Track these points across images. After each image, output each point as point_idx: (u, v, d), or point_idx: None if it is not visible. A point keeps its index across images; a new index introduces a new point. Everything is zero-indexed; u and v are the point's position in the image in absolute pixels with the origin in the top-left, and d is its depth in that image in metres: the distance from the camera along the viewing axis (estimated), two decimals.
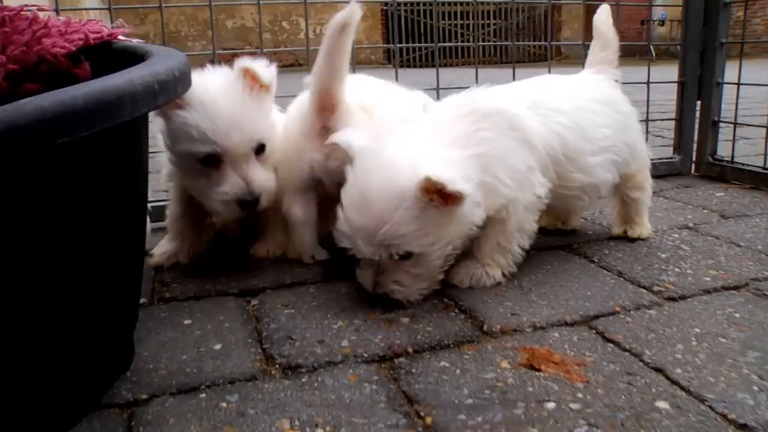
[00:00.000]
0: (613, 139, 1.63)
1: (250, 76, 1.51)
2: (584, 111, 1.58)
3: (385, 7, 16.14)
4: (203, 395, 1.09)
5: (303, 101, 1.64)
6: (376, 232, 1.27)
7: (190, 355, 1.23)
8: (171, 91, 0.94)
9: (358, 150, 1.35)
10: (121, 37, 1.35)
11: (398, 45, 2.26)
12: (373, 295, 1.38)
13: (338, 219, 1.34)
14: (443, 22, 17.15)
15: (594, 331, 1.28)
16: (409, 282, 1.36)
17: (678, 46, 2.64)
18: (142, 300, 1.51)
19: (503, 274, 1.52)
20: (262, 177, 1.53)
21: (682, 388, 1.06)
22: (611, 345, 1.22)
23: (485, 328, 1.30)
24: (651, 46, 2.62)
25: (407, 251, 1.30)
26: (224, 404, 1.06)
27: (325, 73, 1.54)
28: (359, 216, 1.28)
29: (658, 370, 1.12)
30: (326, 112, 1.57)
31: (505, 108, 1.46)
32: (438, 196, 1.25)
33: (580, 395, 1.05)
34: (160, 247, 1.80)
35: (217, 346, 1.26)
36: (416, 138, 1.37)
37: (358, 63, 2.13)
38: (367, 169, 1.30)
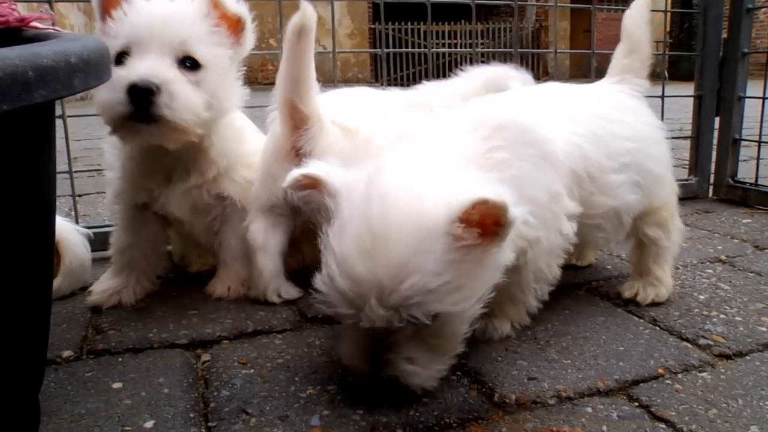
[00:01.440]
0: (637, 155, 1.30)
1: (218, 8, 1.30)
2: (600, 120, 1.28)
3: (372, 26, 16.02)
4: None
5: (277, 122, 1.37)
6: (395, 287, 0.87)
7: None
8: (59, 82, 0.65)
9: (339, 182, 0.98)
10: (37, 24, 1.06)
11: (386, 50, 1.99)
12: (374, 380, 0.98)
13: (323, 274, 0.94)
14: (432, 41, 17.04)
15: (637, 404, 1.00)
16: (427, 359, 0.97)
17: (664, 70, 2.38)
18: (66, 353, 1.21)
19: (513, 327, 1.24)
20: (182, 90, 1.22)
21: None
22: (663, 426, 0.94)
23: (496, 398, 1.01)
24: (664, 66, 2.34)
25: (435, 313, 0.91)
26: None
27: (287, 83, 1.27)
28: (369, 266, 0.87)
29: None
30: (297, 129, 1.29)
31: (518, 119, 1.16)
32: (479, 230, 0.89)
33: None
34: (101, 283, 1.49)
35: (149, 424, 0.96)
36: (425, 158, 1.00)
37: (345, 81, 1.88)
38: (378, 198, 0.90)
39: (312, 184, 1.01)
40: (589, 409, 0.98)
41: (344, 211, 0.93)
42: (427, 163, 0.99)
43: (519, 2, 2.26)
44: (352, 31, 16.03)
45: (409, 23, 15.42)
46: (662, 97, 2.28)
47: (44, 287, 0.88)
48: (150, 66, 1.21)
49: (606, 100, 1.36)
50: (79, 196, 2.64)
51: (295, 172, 1.01)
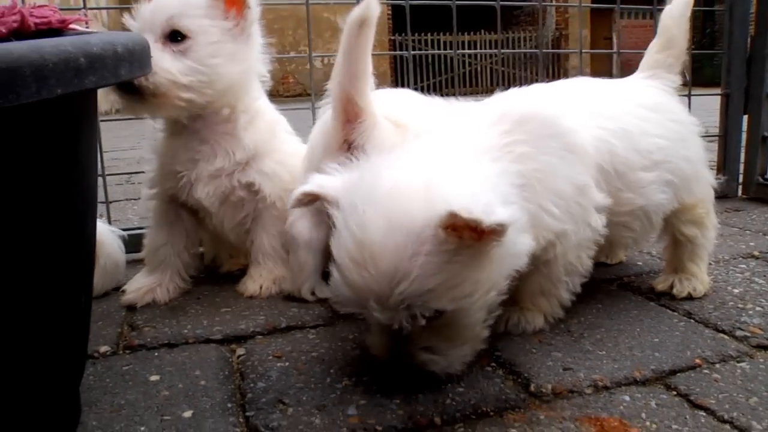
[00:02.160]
0: (668, 153, 1.27)
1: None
2: (630, 116, 1.26)
3: (392, 37, 16.09)
4: None
5: (327, 116, 1.37)
6: (390, 292, 0.88)
7: (151, 427, 0.94)
8: (107, 70, 0.68)
9: (336, 191, 0.99)
10: (76, 26, 1.10)
11: (412, 52, 2.01)
12: (395, 367, 1.01)
13: (332, 278, 0.97)
14: (451, 51, 17.05)
15: (675, 393, 0.98)
16: (446, 347, 0.99)
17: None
18: (103, 348, 1.23)
19: (546, 321, 1.23)
20: (155, 56, 1.24)
21: None
22: (702, 413, 0.92)
23: (532, 388, 1.01)
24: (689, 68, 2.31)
25: (438, 309, 0.92)
26: None
27: (344, 77, 1.26)
28: (361, 274, 0.89)
29: None
30: (349, 123, 1.30)
31: (541, 111, 1.14)
32: (470, 233, 0.87)
33: None
34: (135, 282, 1.52)
35: (187, 414, 0.98)
36: (431, 154, 1.01)
37: None
38: (363, 206, 0.91)
39: (315, 198, 1.03)
40: (627, 398, 0.97)
41: (338, 221, 0.95)
42: (431, 159, 0.99)
43: (543, 3, 2.26)
44: (373, 45, 16.16)
45: (429, 34, 15.43)
46: (689, 95, 2.26)
47: (86, 276, 0.90)
48: None
49: (638, 96, 1.33)
50: (110, 202, 2.70)
51: (296, 192, 1.04)
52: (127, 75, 0.74)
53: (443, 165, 0.97)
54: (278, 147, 1.50)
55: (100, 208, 1.89)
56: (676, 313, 1.30)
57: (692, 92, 2.21)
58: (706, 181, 1.38)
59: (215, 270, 1.73)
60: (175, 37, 1.33)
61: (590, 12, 13.95)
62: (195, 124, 1.43)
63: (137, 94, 1.30)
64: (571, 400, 0.97)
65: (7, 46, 0.57)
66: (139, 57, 0.79)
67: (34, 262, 0.73)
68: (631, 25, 16.09)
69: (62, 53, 0.62)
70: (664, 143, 1.27)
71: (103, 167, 1.83)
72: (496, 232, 0.86)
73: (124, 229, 1.80)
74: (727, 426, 0.89)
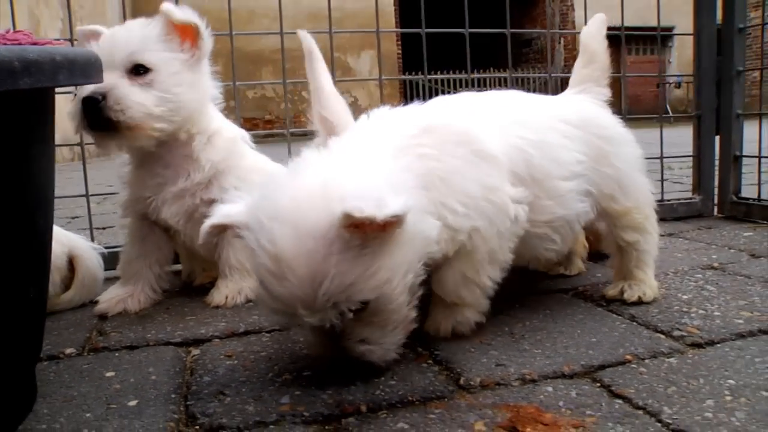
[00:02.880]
0: (588, 167, 1.32)
1: (178, 28, 1.47)
2: (552, 130, 1.30)
3: (403, 76, 16.40)
4: None
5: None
6: (314, 295, 0.93)
7: (96, 413, 1.00)
8: (43, 74, 0.76)
9: (242, 216, 1.03)
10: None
11: (426, 78, 2.10)
12: (336, 363, 1.06)
13: (258, 294, 1.03)
14: (463, 89, 17.33)
15: (598, 385, 1.02)
16: (379, 335, 1.04)
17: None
18: (69, 350, 1.30)
19: (479, 313, 1.24)
20: (126, 91, 1.38)
21: None
22: (619, 401, 0.96)
23: (462, 381, 1.05)
24: (667, 104, 2.38)
25: (362, 301, 0.97)
26: None
27: (314, 101, 1.38)
28: (284, 286, 0.94)
29: None
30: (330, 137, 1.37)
31: (448, 121, 1.20)
32: (371, 227, 0.91)
33: None
34: (108, 293, 1.59)
35: (132, 403, 1.03)
36: (332, 157, 1.08)
37: None
38: (269, 221, 0.95)
39: (223, 229, 1.10)
40: (550, 389, 1.01)
41: (251, 241, 0.99)
42: (330, 163, 1.05)
43: (552, 31, 2.37)
44: (383, 82, 16.47)
45: (439, 72, 15.69)
46: (661, 118, 2.32)
47: (37, 269, 0.97)
48: (108, 86, 1.37)
49: (563, 111, 1.38)
50: (104, 228, 2.80)
51: (204, 227, 1.09)
52: (66, 81, 0.83)
53: (341, 165, 1.03)
54: (238, 163, 1.58)
55: (87, 225, 1.98)
56: (620, 317, 1.34)
57: (678, 132, 2.28)
58: (640, 188, 1.41)
59: (190, 284, 1.80)
60: (138, 70, 1.42)
61: None
62: (157, 150, 1.52)
63: (113, 129, 1.39)
64: (496, 391, 1.02)
65: None
66: (81, 67, 0.88)
67: None
68: (638, 61, 16.30)
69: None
70: (583, 158, 1.31)
71: (87, 188, 1.93)
72: (395, 222, 0.91)
73: (107, 248, 1.89)
74: (640, 412, 0.92)
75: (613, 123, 1.43)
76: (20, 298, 0.92)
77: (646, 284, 1.43)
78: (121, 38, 1.44)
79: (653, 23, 2.42)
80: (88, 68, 0.90)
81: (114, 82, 1.38)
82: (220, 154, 1.55)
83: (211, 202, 1.52)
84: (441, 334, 1.23)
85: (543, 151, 1.25)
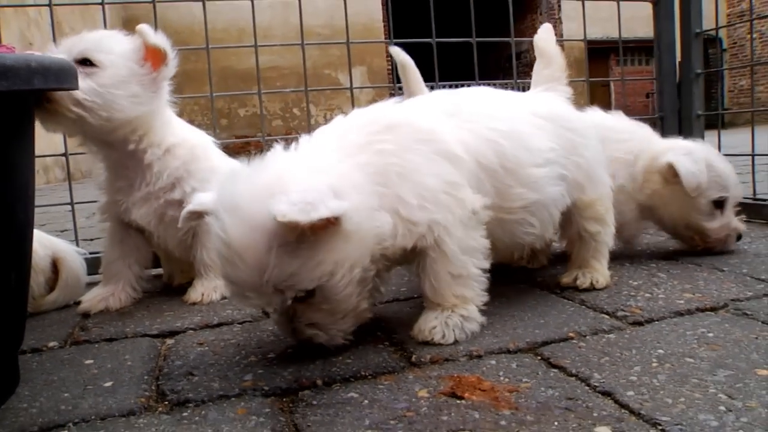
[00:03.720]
0: (559, 155, 1.37)
1: (147, 49, 1.53)
2: (523, 122, 1.35)
3: (393, 91, 16.55)
4: None
5: None
6: (259, 281, 1.02)
7: (73, 393, 1.08)
8: (19, 78, 0.85)
9: (211, 204, 1.12)
10: None
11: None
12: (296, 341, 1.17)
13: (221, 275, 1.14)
14: None
15: (539, 358, 1.10)
16: (328, 321, 1.13)
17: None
18: (52, 344, 1.37)
19: (478, 308, 1.24)
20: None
21: (632, 411, 0.88)
22: (555, 370, 1.04)
23: (413, 359, 1.13)
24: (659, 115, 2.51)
25: (304, 289, 1.06)
26: None
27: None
28: (234, 270, 1.04)
29: (606, 393, 0.94)
30: None
31: (412, 119, 1.23)
32: (304, 228, 0.98)
33: (503, 422, 0.87)
34: (91, 293, 1.67)
35: (108, 384, 1.11)
36: (290, 155, 1.15)
37: None
38: (225, 212, 1.05)
39: (199, 215, 1.19)
40: (493, 362, 1.09)
41: (211, 228, 1.08)
42: (284, 161, 1.12)
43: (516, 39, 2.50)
44: (373, 97, 16.63)
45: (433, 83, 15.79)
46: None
47: (17, 256, 1.05)
48: None
49: (533, 105, 1.45)
50: (92, 239, 2.88)
51: (183, 213, 1.22)
52: (41, 85, 0.92)
53: (296, 163, 1.11)
54: (200, 166, 1.65)
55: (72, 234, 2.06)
56: (571, 302, 1.42)
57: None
58: (602, 181, 1.50)
59: (170, 285, 1.88)
60: (85, 62, 1.47)
61: (588, 60, 14.37)
62: (114, 155, 1.60)
63: (47, 104, 1.42)
64: (444, 365, 1.10)
65: None
66: (56, 73, 0.97)
67: None
68: (627, 72, 16.53)
69: None
70: (555, 147, 1.38)
71: (71, 192, 2.02)
72: (326, 223, 0.99)
73: (91, 253, 1.97)
74: (572, 378, 1.00)
75: (579, 117, 1.54)
76: (2, 283, 1.00)
77: (600, 272, 1.51)
78: (85, 36, 1.52)
79: (641, 34, 2.54)
80: (61, 74, 0.99)
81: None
82: (183, 160, 1.62)
83: (178, 204, 1.60)
84: (438, 338, 1.19)
85: (514, 140, 1.29)
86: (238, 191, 1.05)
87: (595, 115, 1.86)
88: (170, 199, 1.61)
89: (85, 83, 1.44)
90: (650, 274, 1.61)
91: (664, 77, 2.49)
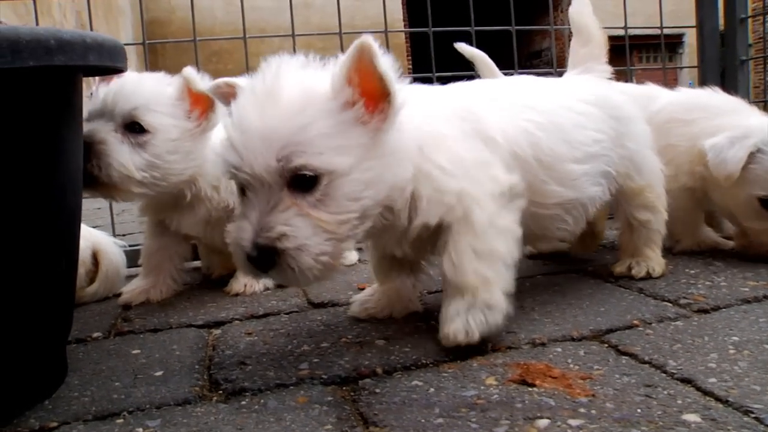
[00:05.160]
0: (606, 146, 1.31)
1: (192, 95, 1.45)
2: (566, 110, 1.28)
3: (413, 75, 16.51)
4: (120, 421, 0.90)
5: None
6: (281, 136, 0.93)
7: (124, 382, 1.05)
8: (75, 53, 0.83)
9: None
10: None
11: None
12: (254, 255, 0.95)
13: (228, 131, 1.00)
14: None
15: (606, 345, 1.06)
16: (307, 230, 0.95)
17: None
18: (96, 334, 1.35)
19: (506, 298, 1.09)
20: (112, 149, 1.34)
21: (718, 398, 0.83)
22: (626, 357, 0.99)
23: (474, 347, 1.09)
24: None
25: (315, 169, 0.94)
26: (140, 429, 0.87)
27: None
28: (260, 116, 0.95)
29: (686, 381, 0.89)
30: None
31: (459, 100, 1.20)
32: (367, 99, 0.96)
33: (582, 410, 0.82)
34: (131, 285, 1.65)
35: (158, 373, 1.08)
36: None
37: None
38: (272, 71, 0.99)
39: (231, 88, 1.10)
40: (559, 350, 1.05)
41: (247, 86, 1.02)
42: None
43: (555, 27, 2.45)
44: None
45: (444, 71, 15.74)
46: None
47: (68, 242, 1.03)
48: (90, 128, 1.35)
49: (578, 91, 1.38)
50: (123, 235, 2.88)
51: (218, 81, 1.14)
52: (96, 61, 0.89)
53: None
54: None
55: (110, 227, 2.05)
56: (628, 290, 1.37)
57: None
58: (652, 166, 1.44)
59: (210, 277, 1.85)
60: (134, 128, 1.38)
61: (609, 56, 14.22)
62: (164, 198, 1.53)
63: (94, 183, 1.35)
64: (507, 353, 1.05)
65: None
66: (109, 50, 0.94)
67: (13, 224, 0.86)
68: (647, 69, 16.32)
69: (35, 34, 0.77)
70: (601, 137, 1.31)
71: None
72: (389, 104, 0.97)
73: (130, 245, 1.96)
74: (646, 365, 0.96)
75: (624, 102, 1.44)
76: (54, 269, 0.98)
77: (654, 261, 1.45)
78: (128, 89, 1.40)
79: (667, 30, 2.46)
80: (114, 52, 0.96)
81: (104, 136, 1.35)
82: (224, 185, 1.56)
83: (224, 208, 1.57)
84: (461, 336, 1.04)
85: (552, 133, 1.22)
86: (288, 68, 1.01)
87: (673, 95, 1.78)
88: (221, 207, 1.57)
89: (141, 158, 1.37)
90: (706, 263, 1.55)
91: (707, 65, 2.41)
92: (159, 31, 9.99)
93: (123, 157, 1.35)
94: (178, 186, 1.48)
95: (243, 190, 1.01)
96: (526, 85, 1.39)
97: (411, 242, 1.14)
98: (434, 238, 1.13)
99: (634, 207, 1.44)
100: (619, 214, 1.48)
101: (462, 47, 1.83)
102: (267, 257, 0.95)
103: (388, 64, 0.96)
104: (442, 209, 1.07)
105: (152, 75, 1.48)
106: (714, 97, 1.72)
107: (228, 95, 1.11)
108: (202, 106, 1.47)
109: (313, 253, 0.95)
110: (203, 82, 1.42)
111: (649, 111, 1.69)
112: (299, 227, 0.95)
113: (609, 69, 1.50)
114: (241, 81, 1.10)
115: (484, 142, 1.14)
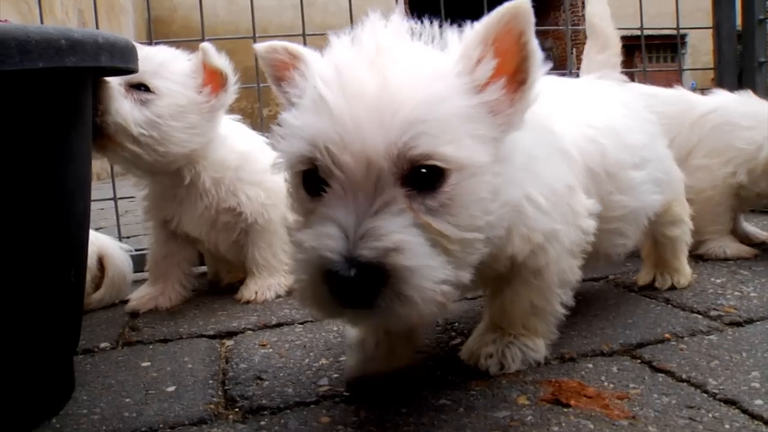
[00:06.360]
0: (651, 149, 1.21)
1: (207, 71, 1.43)
2: (614, 113, 1.17)
3: None
4: None
5: None
6: (408, 110, 0.69)
7: (135, 399, 1.00)
8: (87, 54, 0.78)
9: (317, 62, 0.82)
10: None
11: None
12: (349, 276, 0.66)
13: (295, 111, 0.76)
14: None
15: (639, 361, 1.01)
16: (421, 246, 0.70)
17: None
18: (103, 345, 1.30)
19: (546, 346, 1.04)
20: (122, 103, 1.32)
21: (767, 423, 0.78)
22: (662, 375, 0.95)
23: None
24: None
25: (447, 160, 0.70)
26: None
27: None
28: (378, 78, 0.70)
29: (730, 402, 0.84)
30: None
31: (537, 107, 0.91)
32: (507, 76, 0.77)
33: None
34: (139, 292, 1.61)
35: (170, 389, 1.04)
36: None
37: None
38: (380, 29, 0.76)
39: (286, 64, 0.87)
40: (590, 366, 1.00)
41: (342, 44, 0.78)
42: None
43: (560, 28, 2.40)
44: None
45: None
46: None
47: (76, 251, 0.98)
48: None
49: (614, 94, 1.28)
50: (128, 237, 2.83)
51: (274, 43, 0.88)
52: (107, 62, 0.85)
53: None
54: (250, 171, 1.56)
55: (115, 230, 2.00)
56: (654, 300, 1.32)
57: None
58: (677, 177, 1.37)
59: (217, 284, 1.80)
60: (140, 87, 1.36)
61: None
62: (165, 181, 1.51)
63: (101, 137, 1.33)
64: (537, 369, 1.01)
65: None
66: (121, 50, 0.90)
67: (21, 233, 0.82)
68: (653, 69, 16.26)
69: (44, 34, 0.73)
70: (646, 139, 1.22)
71: (114, 190, 1.96)
72: (524, 90, 0.78)
73: (137, 250, 1.91)
74: (684, 384, 0.91)
75: (646, 108, 1.36)
76: (63, 278, 0.93)
77: (680, 272, 1.40)
78: (143, 55, 1.33)
79: (667, 31, 2.42)
80: (126, 53, 0.92)
81: (109, 86, 1.32)
82: (232, 172, 1.53)
83: (231, 211, 1.53)
84: (495, 369, 0.98)
85: (613, 139, 1.10)
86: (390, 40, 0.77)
87: (720, 98, 1.77)
88: (223, 208, 1.54)
89: (140, 113, 1.34)
90: (731, 272, 1.50)
91: (724, 67, 2.37)
92: (161, 29, 9.94)
93: (123, 108, 1.33)
94: (176, 160, 1.44)
95: (313, 181, 0.73)
96: (570, 86, 1.26)
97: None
98: (498, 274, 0.98)
99: (663, 225, 1.34)
100: (645, 230, 1.35)
101: None
102: (373, 279, 0.66)
103: (536, 43, 0.76)
104: (528, 248, 0.92)
105: (170, 48, 1.48)
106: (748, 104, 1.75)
107: (282, 66, 0.87)
108: (215, 83, 1.45)
109: (435, 278, 0.70)
110: (220, 59, 1.42)
111: (695, 112, 1.73)
112: (412, 243, 0.69)
113: (624, 78, 1.42)
114: (305, 50, 0.86)
115: (566, 161, 0.99)
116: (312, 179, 0.73)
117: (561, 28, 2.57)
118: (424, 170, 0.70)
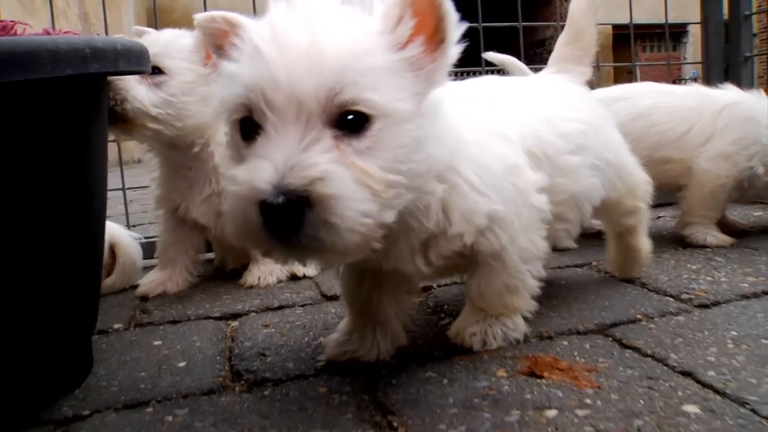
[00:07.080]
0: (589, 137, 1.22)
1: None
2: (546, 103, 1.22)
3: None
4: (150, 410, 0.95)
5: None
6: (336, 60, 0.76)
7: (149, 373, 1.10)
8: (107, 60, 0.87)
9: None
10: None
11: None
12: (277, 203, 0.71)
13: (254, 44, 0.79)
14: None
15: (610, 339, 1.10)
16: (347, 179, 0.75)
17: None
18: (116, 326, 1.40)
19: (526, 320, 1.12)
20: (128, 85, 1.45)
21: (716, 390, 0.87)
22: (630, 351, 1.04)
23: None
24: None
25: (373, 106, 0.77)
26: (170, 418, 0.92)
27: None
28: (309, 32, 0.77)
29: (686, 373, 0.94)
30: None
31: (467, 98, 1.08)
32: (426, 35, 0.83)
33: (588, 401, 0.87)
34: (148, 277, 1.70)
35: (181, 364, 1.13)
36: None
37: None
38: (305, 2, 0.81)
39: (225, 32, 0.90)
40: (565, 343, 1.09)
41: (278, 5, 0.82)
42: None
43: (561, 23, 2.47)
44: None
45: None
46: None
47: (96, 241, 1.08)
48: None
49: (550, 87, 1.33)
50: (134, 225, 2.92)
51: (212, 13, 0.93)
52: (125, 67, 0.93)
53: None
54: None
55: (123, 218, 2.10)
56: (631, 285, 1.41)
57: None
58: (630, 169, 1.36)
59: (223, 270, 1.90)
60: (152, 71, 1.48)
61: (612, 47, 14.17)
62: (177, 156, 1.62)
63: (113, 118, 1.45)
64: (517, 346, 1.10)
65: (32, 37, 0.76)
66: (137, 55, 0.98)
67: (50, 224, 0.91)
68: (652, 58, 16.26)
69: (72, 44, 0.81)
70: (582, 128, 1.22)
71: (123, 179, 2.05)
72: (443, 49, 0.84)
73: (146, 238, 2.00)
74: (648, 358, 1.00)
75: (595, 101, 1.39)
76: (85, 266, 1.02)
77: (641, 252, 1.41)
78: (148, 41, 1.50)
79: (669, 20, 2.49)
80: (140, 57, 1.00)
81: (135, 87, 1.46)
82: None
83: None
84: (478, 346, 1.08)
85: (548, 126, 1.16)
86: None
87: (738, 92, 1.84)
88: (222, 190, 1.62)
89: (156, 96, 1.48)
90: (707, 258, 1.59)
91: (711, 61, 2.44)
92: (162, 18, 9.94)
93: (140, 93, 1.48)
94: (190, 131, 1.57)
95: (248, 128, 0.80)
96: (503, 83, 1.32)
97: (428, 256, 0.99)
98: (459, 262, 1.06)
99: (618, 216, 1.37)
100: (605, 225, 1.46)
101: (491, 56, 1.86)
102: (296, 208, 0.71)
103: (450, 5, 0.83)
104: (475, 233, 0.98)
105: (171, 29, 1.61)
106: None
107: (221, 35, 0.91)
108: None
109: (359, 209, 0.75)
110: None
111: (717, 104, 1.80)
112: (340, 176, 0.74)
113: (588, 71, 1.41)
114: (243, 18, 0.90)
115: (506, 141, 1.05)
116: (247, 126, 0.80)
117: (552, 23, 2.64)
118: (351, 116, 0.77)
